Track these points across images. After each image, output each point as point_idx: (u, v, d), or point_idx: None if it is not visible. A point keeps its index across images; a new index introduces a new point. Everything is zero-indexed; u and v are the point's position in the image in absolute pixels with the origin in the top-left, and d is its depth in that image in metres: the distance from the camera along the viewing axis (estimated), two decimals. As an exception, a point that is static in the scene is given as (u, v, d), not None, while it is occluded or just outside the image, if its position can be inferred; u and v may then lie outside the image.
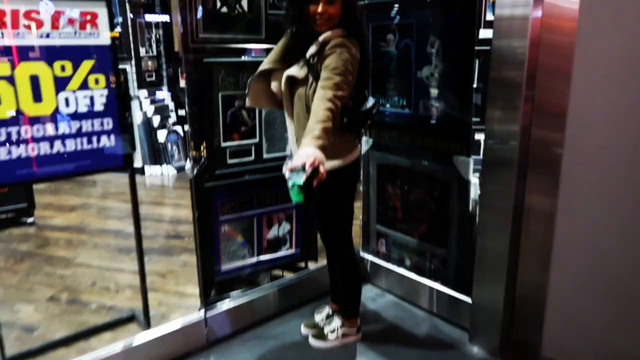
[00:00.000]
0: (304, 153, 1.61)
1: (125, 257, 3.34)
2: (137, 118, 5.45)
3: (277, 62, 2.01)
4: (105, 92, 2.07)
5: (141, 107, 5.47)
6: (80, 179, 5.41)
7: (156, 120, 5.51)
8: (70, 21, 1.94)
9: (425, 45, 2.40)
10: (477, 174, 2.33)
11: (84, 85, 2.02)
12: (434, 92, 2.42)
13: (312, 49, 1.91)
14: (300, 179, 1.53)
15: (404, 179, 2.68)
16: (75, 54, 1.98)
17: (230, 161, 2.47)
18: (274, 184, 2.57)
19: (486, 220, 2.20)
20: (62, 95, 1.98)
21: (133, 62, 5.34)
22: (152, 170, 5.53)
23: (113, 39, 2.06)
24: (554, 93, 1.92)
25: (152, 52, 5.63)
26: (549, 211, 2.03)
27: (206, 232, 2.44)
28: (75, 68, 1.99)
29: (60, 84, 1.97)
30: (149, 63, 5.64)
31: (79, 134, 2.04)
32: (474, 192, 2.41)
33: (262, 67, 2.03)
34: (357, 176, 2.16)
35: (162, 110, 5.68)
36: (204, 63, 2.32)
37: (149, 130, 5.47)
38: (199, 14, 2.25)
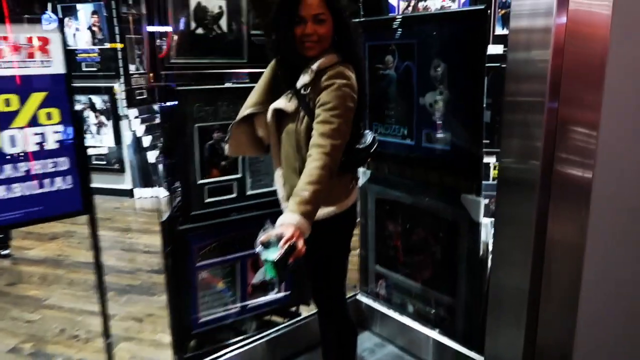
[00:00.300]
0: (284, 222, 1.37)
1: (102, 297, 3.05)
2: (127, 138, 5.19)
3: (261, 105, 1.73)
4: (60, 128, 1.80)
5: (130, 127, 5.20)
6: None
7: (147, 140, 5.25)
8: (15, 48, 1.67)
9: (429, 67, 2.12)
10: (489, 202, 2.04)
11: (33, 122, 1.75)
12: (438, 121, 2.14)
13: (304, 79, 1.62)
14: (273, 254, 1.27)
15: (406, 216, 2.39)
16: (22, 86, 1.71)
17: (208, 200, 2.19)
18: (260, 223, 2.29)
19: (502, 253, 1.89)
20: (7, 133, 1.71)
21: (122, 80, 5.08)
22: (142, 193, 5.26)
23: (69, 68, 1.79)
24: (583, 104, 1.62)
25: (142, 68, 5.37)
26: (576, 242, 1.71)
27: (180, 282, 2.16)
28: (23, 102, 1.72)
29: (5, 120, 1.70)
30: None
31: (28, 176, 1.77)
32: (485, 234, 2.12)
33: (243, 111, 1.74)
34: (353, 224, 1.88)
35: (153, 129, 5.41)
36: (177, 91, 2.05)
37: (139, 150, 5.21)
38: (171, 37, 1.98)
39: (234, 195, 2.26)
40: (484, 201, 2.06)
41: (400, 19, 2.24)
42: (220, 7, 2.08)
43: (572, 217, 1.71)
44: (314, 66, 1.61)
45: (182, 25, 2.01)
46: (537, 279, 1.80)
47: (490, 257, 2.10)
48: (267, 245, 1.32)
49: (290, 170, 1.67)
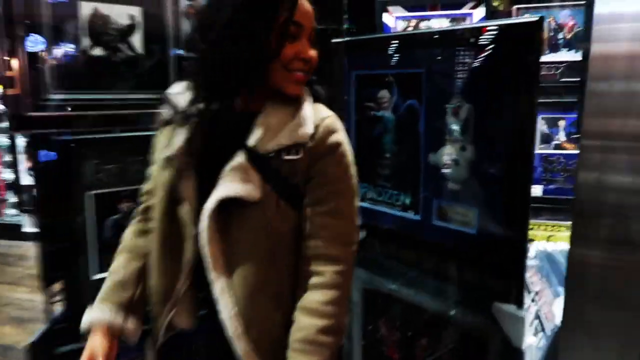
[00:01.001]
0: None
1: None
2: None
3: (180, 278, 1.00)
4: None
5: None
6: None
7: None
8: None
9: (443, 109, 1.43)
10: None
11: None
12: (458, 189, 1.44)
13: (295, 134, 0.92)
14: None
15: (406, 319, 1.67)
16: None
17: (112, 303, 1.46)
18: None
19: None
20: None
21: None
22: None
23: None
24: None
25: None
26: None
27: None
28: None
29: None
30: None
31: None
32: (530, 362, 1.41)
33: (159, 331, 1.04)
34: None
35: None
36: (59, 142, 1.34)
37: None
38: (49, 57, 1.28)
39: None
40: (528, 316, 1.35)
41: (402, 38, 1.56)
42: (132, 18, 1.39)
43: None
44: (306, 112, 0.93)
45: (67, 43, 1.31)
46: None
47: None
48: None
49: (256, 301, 0.95)
